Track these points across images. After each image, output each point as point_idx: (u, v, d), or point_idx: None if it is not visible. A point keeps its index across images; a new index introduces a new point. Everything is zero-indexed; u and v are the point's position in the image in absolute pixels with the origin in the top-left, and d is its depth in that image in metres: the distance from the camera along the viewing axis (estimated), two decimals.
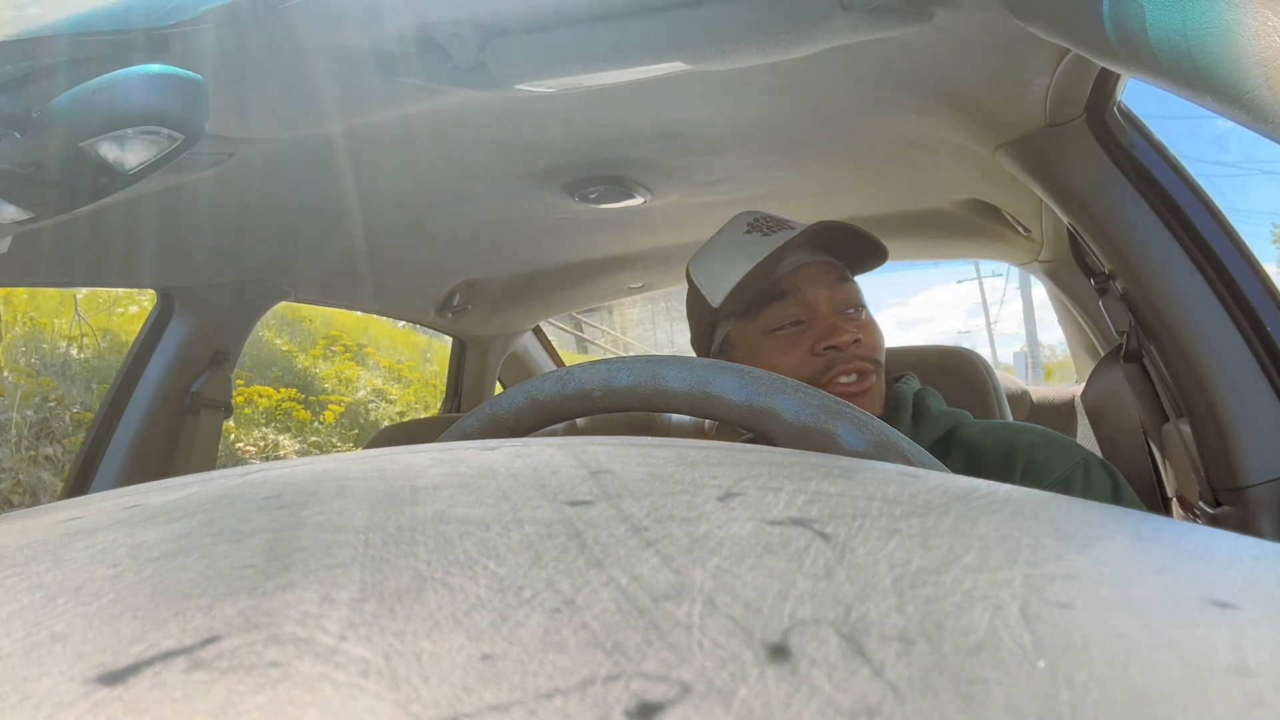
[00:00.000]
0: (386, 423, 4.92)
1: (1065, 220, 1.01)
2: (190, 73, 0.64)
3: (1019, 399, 1.77)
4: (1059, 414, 1.80)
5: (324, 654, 0.13)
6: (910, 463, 0.40)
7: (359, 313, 3.43)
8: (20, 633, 0.15)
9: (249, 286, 1.43)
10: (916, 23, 0.75)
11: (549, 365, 2.44)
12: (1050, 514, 0.20)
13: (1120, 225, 0.90)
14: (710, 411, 0.44)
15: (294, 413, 4.44)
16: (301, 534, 0.18)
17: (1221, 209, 0.90)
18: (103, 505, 0.23)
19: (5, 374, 3.35)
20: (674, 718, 0.11)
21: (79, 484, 1.34)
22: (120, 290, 4.30)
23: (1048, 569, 0.16)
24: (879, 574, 0.16)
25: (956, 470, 0.77)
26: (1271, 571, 0.17)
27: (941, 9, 0.75)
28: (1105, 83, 0.86)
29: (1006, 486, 0.22)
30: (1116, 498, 0.73)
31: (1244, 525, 0.84)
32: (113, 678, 0.13)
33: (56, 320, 3.92)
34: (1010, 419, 1.15)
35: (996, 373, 1.21)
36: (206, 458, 1.44)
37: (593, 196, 1.30)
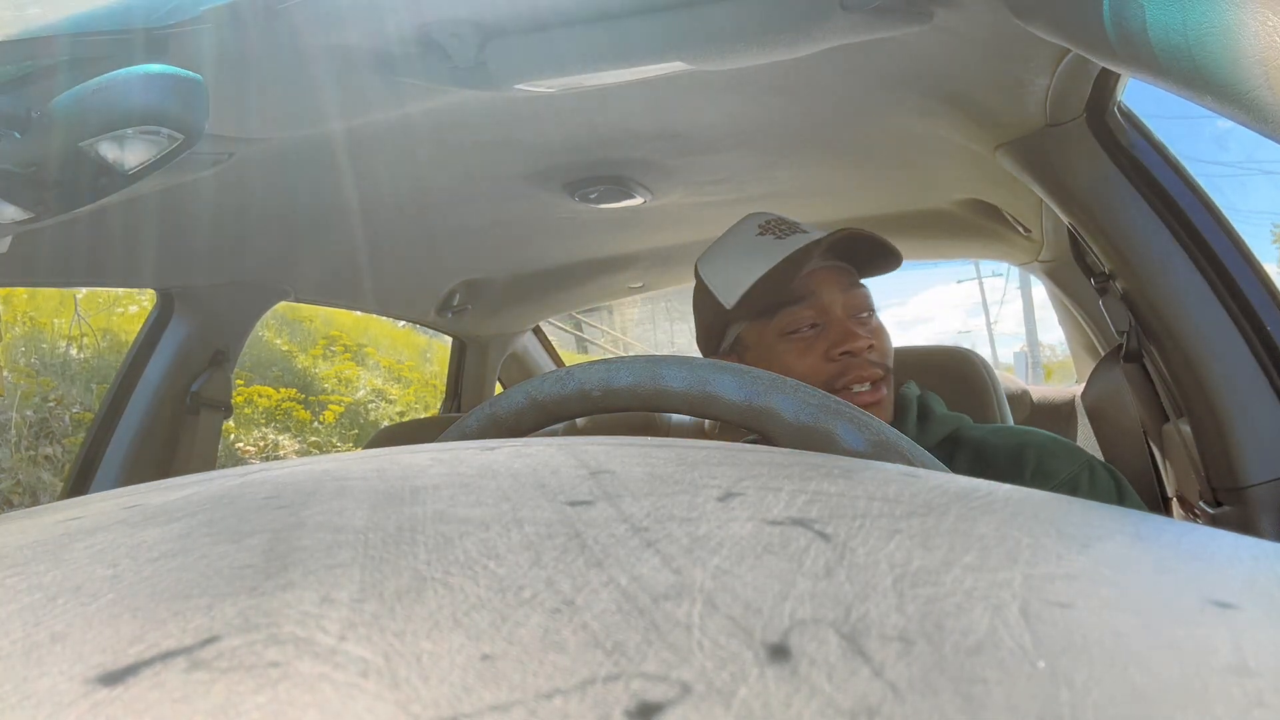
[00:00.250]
0: (386, 423, 4.92)
1: (1065, 220, 1.01)
2: (190, 73, 0.64)
3: (1019, 399, 1.77)
4: (1059, 414, 1.80)
5: (324, 654, 0.13)
6: (910, 462, 0.40)
7: (359, 313, 3.43)
8: (20, 633, 0.15)
9: (249, 286, 1.43)
10: (916, 23, 0.75)
11: (549, 365, 2.44)
12: (1050, 514, 0.20)
13: (1120, 225, 0.90)
14: (710, 411, 0.44)
15: (294, 413, 4.44)
16: (301, 534, 0.18)
17: (1221, 209, 0.90)
18: (102, 505, 0.23)
19: (5, 374, 3.35)
20: (674, 718, 0.11)
21: (79, 484, 1.34)
22: (120, 290, 4.30)
23: (1048, 569, 0.16)
24: (879, 574, 0.16)
25: (963, 468, 0.77)
26: (1271, 571, 0.17)
27: (941, 9, 0.75)
28: (1105, 83, 0.86)
29: (1006, 486, 0.22)
30: (1120, 498, 0.74)
31: (1244, 525, 0.84)
32: (112, 678, 0.13)
33: (56, 320, 3.92)
34: (1010, 419, 1.15)
35: (996, 373, 1.21)
36: (206, 458, 1.44)
37: (593, 196, 1.30)
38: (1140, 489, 0.78)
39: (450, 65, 0.80)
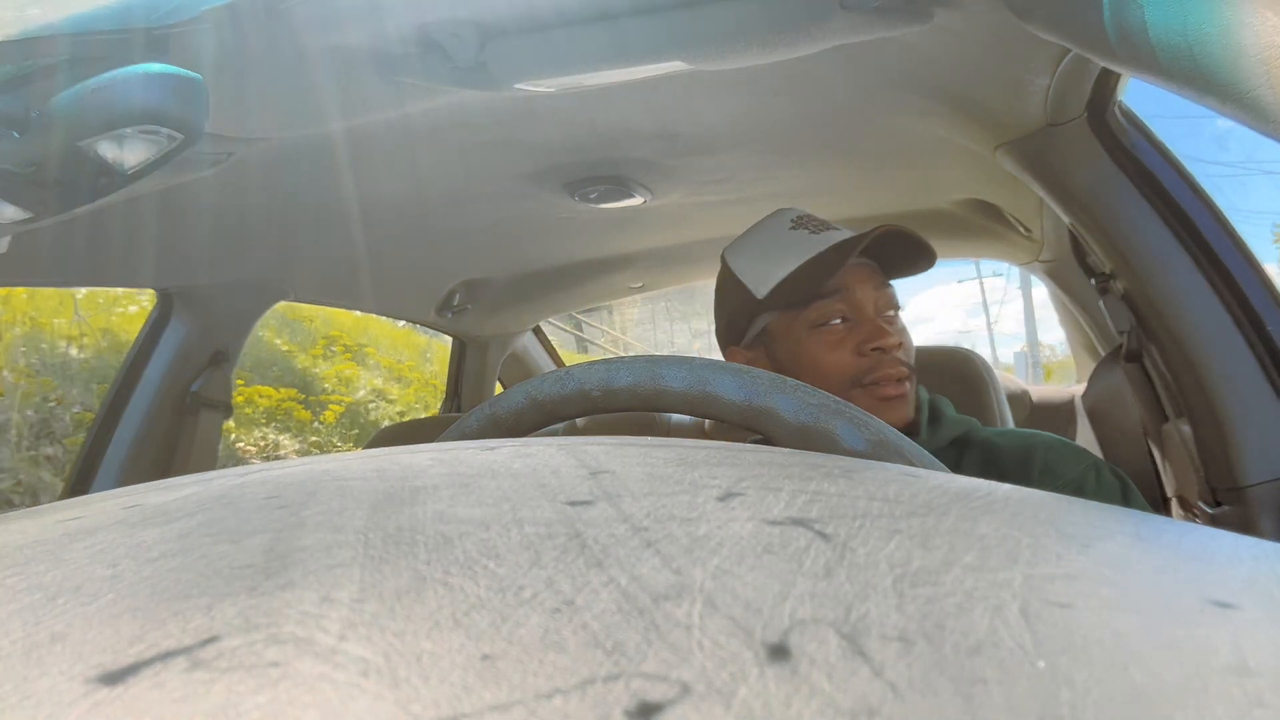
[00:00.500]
0: (386, 423, 4.92)
1: (1066, 220, 1.01)
2: (190, 72, 0.64)
3: (1019, 399, 1.77)
4: (1059, 414, 1.80)
5: (324, 654, 0.13)
6: (910, 463, 0.40)
7: (359, 313, 3.43)
8: (20, 633, 0.15)
9: (249, 286, 1.43)
10: (916, 23, 0.75)
11: (549, 365, 2.44)
12: (1050, 514, 0.20)
13: (1121, 225, 0.90)
14: (709, 411, 0.44)
15: (294, 413, 4.44)
16: (301, 534, 0.18)
17: (1222, 209, 0.90)
18: (102, 505, 0.23)
19: (5, 374, 3.35)
20: (674, 718, 0.11)
21: (79, 484, 1.34)
22: (120, 290, 4.30)
23: (1048, 569, 0.16)
24: (879, 574, 0.16)
25: (973, 470, 0.78)
26: (1271, 571, 0.17)
27: (941, 9, 0.75)
28: (1106, 82, 0.86)
29: (1006, 486, 0.22)
30: (1126, 500, 0.75)
31: (1244, 525, 0.84)
32: (112, 678, 0.13)
33: (56, 320, 3.92)
34: (1010, 419, 1.15)
35: (996, 373, 1.21)
36: (206, 458, 1.44)
37: (593, 196, 1.30)
38: (1140, 489, 0.78)
39: (450, 65, 0.80)
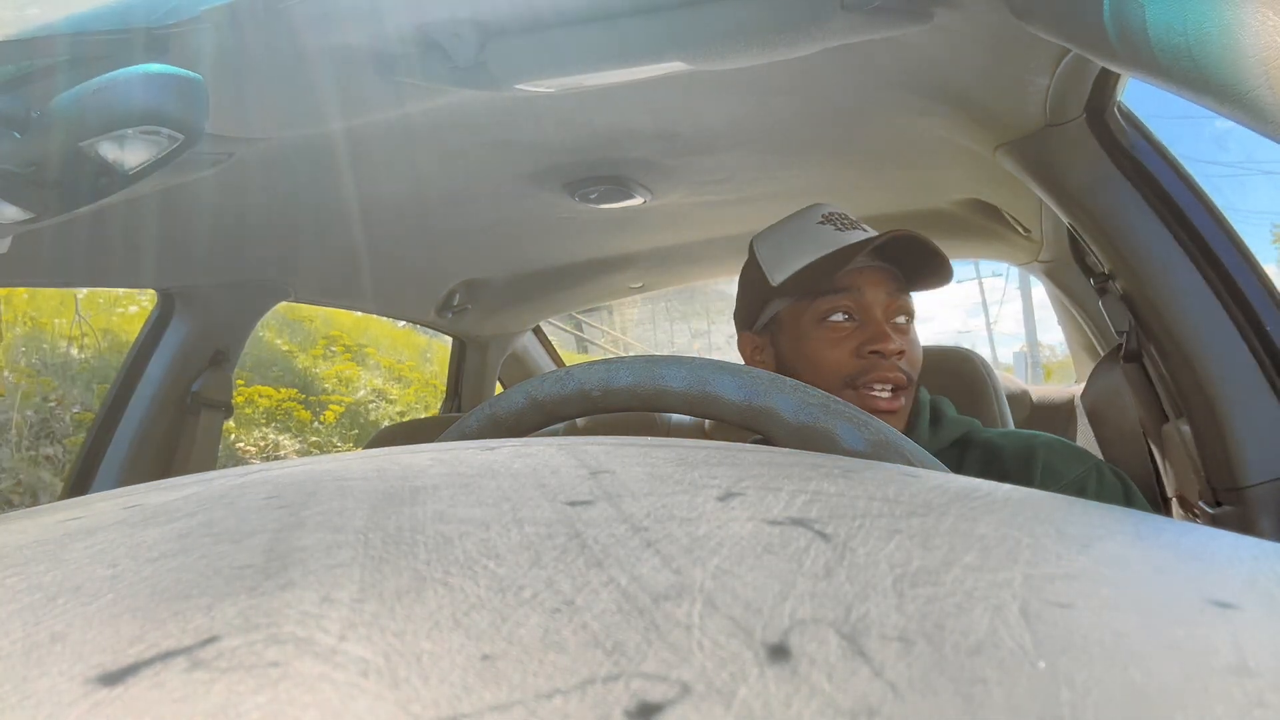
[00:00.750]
0: (386, 423, 4.92)
1: (1065, 220, 1.01)
2: (190, 73, 0.64)
3: (1019, 399, 1.77)
4: (1059, 414, 1.80)
5: (324, 654, 0.13)
6: (910, 462, 0.40)
7: (359, 313, 3.43)
8: (20, 633, 0.15)
9: (249, 286, 1.43)
10: (916, 23, 0.75)
11: (549, 365, 2.44)
12: (1050, 514, 0.20)
13: (1120, 225, 0.90)
14: (709, 411, 0.44)
15: (294, 413, 4.44)
16: (301, 534, 0.18)
17: (1221, 209, 0.90)
18: (102, 505, 0.23)
19: (5, 374, 3.35)
20: (674, 718, 0.11)
21: (79, 484, 1.34)
22: (120, 290, 4.30)
23: (1048, 569, 0.16)
24: (879, 574, 0.16)
25: (974, 471, 0.78)
26: (1271, 571, 0.17)
27: (941, 9, 0.75)
28: (1105, 83, 0.86)
29: (1006, 486, 0.22)
30: (1128, 501, 0.75)
31: (1244, 525, 0.84)
32: (112, 678, 0.13)
33: (56, 320, 3.92)
34: (1010, 419, 1.15)
35: (996, 373, 1.21)
36: (206, 458, 1.44)
37: (593, 196, 1.30)
38: (1140, 489, 0.78)
39: (450, 65, 0.80)
